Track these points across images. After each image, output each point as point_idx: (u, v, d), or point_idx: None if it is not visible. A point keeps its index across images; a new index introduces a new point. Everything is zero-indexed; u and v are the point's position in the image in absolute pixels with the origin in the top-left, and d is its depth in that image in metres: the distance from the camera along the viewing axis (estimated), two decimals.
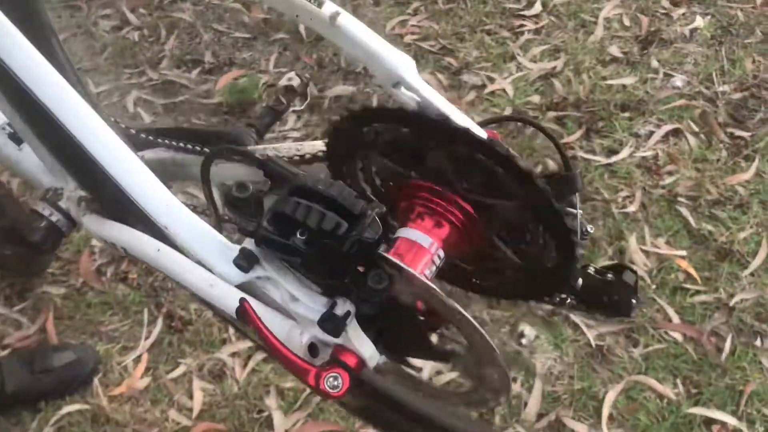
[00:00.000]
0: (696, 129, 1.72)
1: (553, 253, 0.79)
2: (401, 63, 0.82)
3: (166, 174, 1.05)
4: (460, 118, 0.79)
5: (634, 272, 0.84)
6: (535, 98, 1.82)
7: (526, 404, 1.32)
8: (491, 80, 1.88)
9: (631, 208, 1.59)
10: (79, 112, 0.68)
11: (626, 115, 1.77)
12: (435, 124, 0.72)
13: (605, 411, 1.30)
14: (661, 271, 1.48)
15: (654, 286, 1.46)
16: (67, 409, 1.36)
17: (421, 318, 0.72)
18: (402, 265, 0.63)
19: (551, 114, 1.78)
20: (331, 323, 0.60)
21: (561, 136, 1.73)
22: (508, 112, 1.79)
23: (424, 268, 0.75)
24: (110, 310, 1.50)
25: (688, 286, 1.46)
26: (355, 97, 1.86)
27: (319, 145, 0.88)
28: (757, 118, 1.74)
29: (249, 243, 0.61)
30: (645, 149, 1.70)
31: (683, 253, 1.50)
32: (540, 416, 1.31)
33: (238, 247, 0.62)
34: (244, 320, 0.62)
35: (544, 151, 1.70)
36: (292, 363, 0.61)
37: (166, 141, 1.07)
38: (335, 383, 0.60)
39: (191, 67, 1.99)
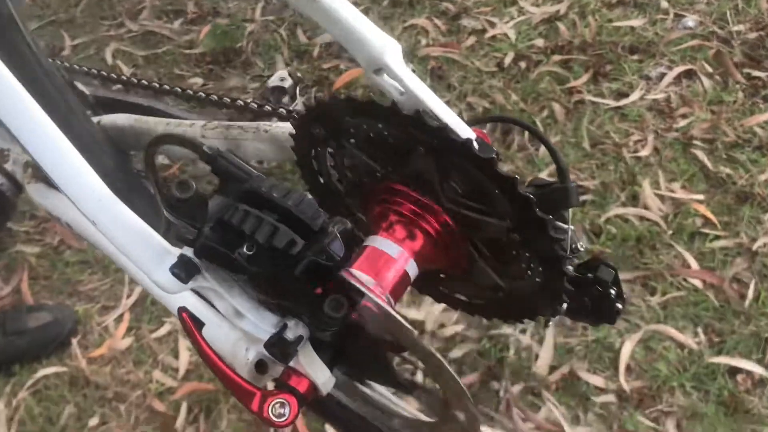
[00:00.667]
0: (710, 70, 1.62)
1: (538, 277, 0.71)
2: (386, 47, 0.71)
3: (125, 143, 0.94)
4: (446, 113, 0.70)
5: (612, 267, 0.74)
6: (539, 42, 1.71)
7: (537, 357, 1.23)
8: (492, 25, 1.77)
9: (644, 152, 1.49)
10: None
11: (635, 57, 1.67)
12: (433, 133, 0.63)
13: (622, 362, 1.21)
14: (677, 216, 1.39)
15: (670, 232, 1.36)
16: (43, 372, 1.26)
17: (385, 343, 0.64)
18: (367, 293, 0.54)
19: (556, 57, 1.67)
20: (278, 348, 0.53)
21: (566, 80, 1.63)
22: (510, 56, 1.69)
23: (391, 284, 0.67)
24: (89, 269, 1.41)
25: (706, 231, 1.36)
26: None
27: (288, 128, 0.79)
28: None
29: (189, 250, 0.52)
30: (656, 92, 1.60)
31: (700, 197, 1.41)
32: (552, 369, 1.22)
33: (178, 252, 0.53)
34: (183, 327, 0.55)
35: (549, 95, 1.60)
36: (233, 384, 0.54)
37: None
38: (281, 411, 0.53)
39: (173, 18, 1.88)
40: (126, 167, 0.95)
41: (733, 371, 1.20)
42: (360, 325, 0.57)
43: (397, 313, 0.58)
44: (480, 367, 1.22)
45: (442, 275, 0.78)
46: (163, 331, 1.31)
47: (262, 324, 0.54)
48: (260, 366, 0.57)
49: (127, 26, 1.86)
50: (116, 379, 1.25)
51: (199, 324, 0.55)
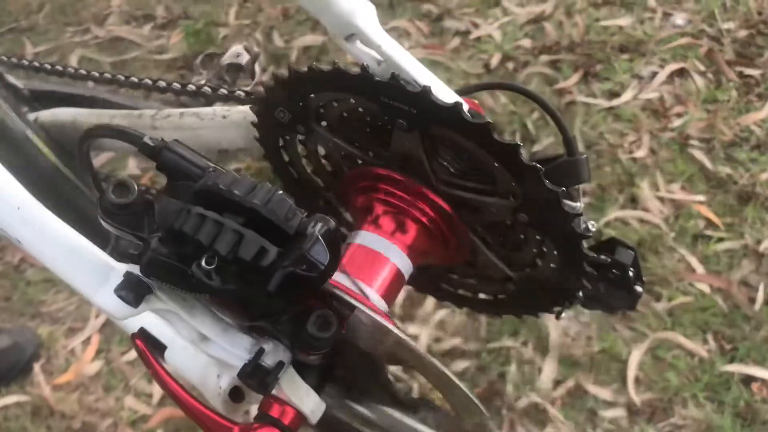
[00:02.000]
0: (702, 68, 1.57)
1: (552, 263, 0.62)
2: (357, 8, 0.62)
3: (68, 141, 0.83)
4: (431, 81, 0.61)
5: (631, 248, 0.65)
6: (526, 42, 1.65)
7: (540, 370, 1.15)
8: (476, 26, 1.71)
9: (639, 153, 1.43)
10: None
11: (626, 56, 1.62)
12: (414, 99, 0.54)
13: (630, 373, 1.14)
14: (678, 218, 1.32)
15: (673, 235, 1.30)
16: (2, 402, 1.15)
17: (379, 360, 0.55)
18: (359, 305, 0.45)
19: (545, 58, 1.61)
20: (256, 378, 0.43)
21: (555, 81, 1.57)
22: (497, 57, 1.62)
23: (383, 286, 0.58)
24: (53, 288, 1.30)
25: (709, 233, 1.30)
26: (326, 47, 1.68)
27: (248, 111, 0.69)
28: (766, 56, 1.60)
29: (137, 267, 0.42)
30: (649, 91, 1.54)
31: (701, 198, 1.35)
32: (557, 383, 1.14)
33: (125, 269, 0.43)
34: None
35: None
36: (203, 418, 0.44)
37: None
38: None
39: (142, 23, 1.79)
40: (72, 169, 0.84)
41: (748, 380, 1.13)
42: (351, 342, 0.49)
43: (393, 322, 0.50)
44: (480, 382, 1.14)
45: (442, 270, 0.69)
46: (135, 353, 1.20)
47: (233, 349, 0.44)
48: (236, 394, 0.48)
49: (93, 32, 1.77)
50: (84, 407, 1.14)
51: (160, 348, 0.45)
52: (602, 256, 0.64)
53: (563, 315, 0.68)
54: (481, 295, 0.70)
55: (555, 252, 0.61)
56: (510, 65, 1.61)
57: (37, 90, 0.84)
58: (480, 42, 1.67)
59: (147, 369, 0.45)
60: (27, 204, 0.45)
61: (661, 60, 1.60)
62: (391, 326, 0.46)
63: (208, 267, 0.38)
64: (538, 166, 0.54)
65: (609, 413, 1.11)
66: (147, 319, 0.47)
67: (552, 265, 0.62)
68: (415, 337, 1.18)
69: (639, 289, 0.66)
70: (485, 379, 1.14)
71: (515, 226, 0.61)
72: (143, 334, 0.47)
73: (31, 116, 0.80)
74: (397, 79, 0.53)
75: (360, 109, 0.60)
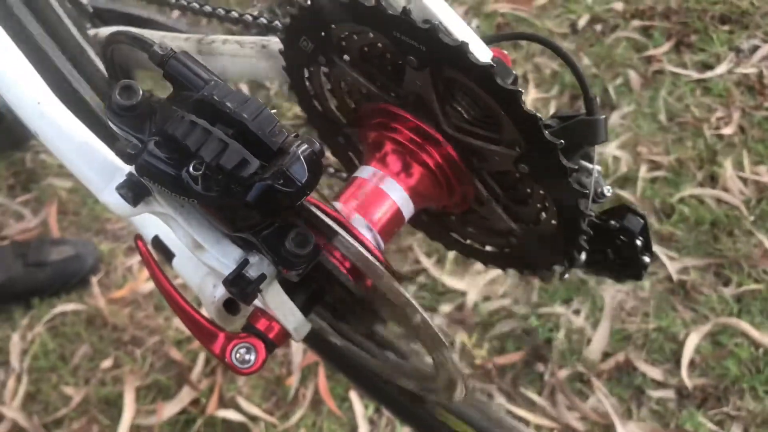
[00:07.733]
0: None
1: (553, 219, 0.60)
2: None
3: (126, 59, 0.83)
4: (458, 27, 0.59)
5: (641, 216, 0.63)
6: (618, 5, 1.57)
7: (589, 341, 1.10)
8: None
9: (727, 130, 1.34)
10: None
11: (725, 28, 1.51)
12: (422, 36, 0.53)
13: (686, 356, 1.08)
14: (761, 201, 1.24)
15: (752, 218, 1.22)
16: (61, 308, 1.20)
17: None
18: (337, 228, 0.46)
19: (636, 23, 1.53)
20: (238, 287, 0.45)
21: (645, 47, 1.48)
22: (585, 18, 1.55)
23: (381, 222, 0.59)
24: None
25: None
26: None
27: (275, 42, 0.68)
28: None
29: None
30: (747, 66, 1.44)
31: None
32: (606, 356, 1.09)
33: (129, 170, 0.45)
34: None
35: (625, 62, 1.46)
36: (193, 322, 0.47)
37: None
38: (247, 357, 0.47)
39: None
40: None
41: None
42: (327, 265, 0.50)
43: (382, 256, 0.51)
44: (525, 345, 1.11)
45: (452, 218, 0.68)
46: None
47: (224, 258, 0.46)
48: (231, 305, 0.51)
49: None
50: (135, 322, 1.18)
51: (169, 255, 0.47)
52: (612, 222, 0.63)
53: (566, 276, 0.66)
54: (488, 248, 0.70)
55: (555, 208, 0.59)
56: (598, 27, 1.53)
57: (100, 8, 0.86)
58: (570, 1, 1.60)
59: (147, 270, 0.46)
60: (47, 99, 0.48)
61: (765, 33, 1.49)
62: (362, 250, 0.46)
63: (195, 173, 0.40)
64: (538, 114, 0.52)
65: (657, 393, 1.06)
66: (162, 227, 0.49)
67: (553, 221, 0.61)
68: (463, 293, 1.16)
69: (646, 259, 0.64)
70: (530, 342, 1.11)
71: (522, 179, 0.60)
72: (155, 241, 0.50)
73: (91, 32, 0.82)
74: (408, 13, 0.53)
75: (379, 45, 0.59)
